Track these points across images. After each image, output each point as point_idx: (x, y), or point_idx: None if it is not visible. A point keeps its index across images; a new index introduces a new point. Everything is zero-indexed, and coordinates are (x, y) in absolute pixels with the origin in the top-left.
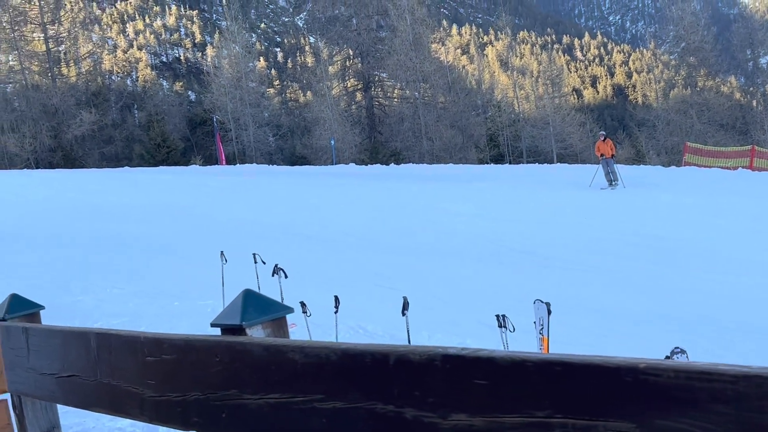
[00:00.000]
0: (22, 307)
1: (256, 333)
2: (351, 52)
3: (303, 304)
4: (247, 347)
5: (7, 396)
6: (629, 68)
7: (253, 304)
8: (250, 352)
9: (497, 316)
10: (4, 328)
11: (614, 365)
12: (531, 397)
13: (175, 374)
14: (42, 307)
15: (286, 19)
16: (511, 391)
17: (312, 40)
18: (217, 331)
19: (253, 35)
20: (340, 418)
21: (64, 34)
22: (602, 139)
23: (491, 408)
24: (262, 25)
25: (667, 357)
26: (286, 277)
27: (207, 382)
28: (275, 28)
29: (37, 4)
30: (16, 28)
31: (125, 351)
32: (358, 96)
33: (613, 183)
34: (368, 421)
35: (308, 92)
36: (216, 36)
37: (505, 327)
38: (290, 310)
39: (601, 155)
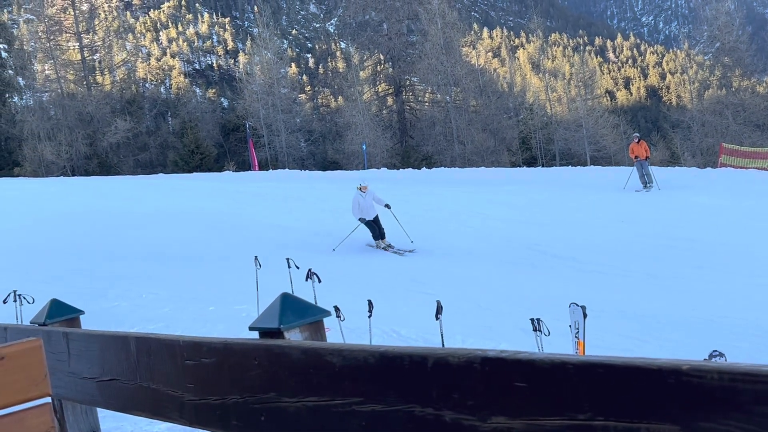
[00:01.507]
0: (62, 312)
1: (294, 336)
2: (382, 57)
3: (337, 309)
4: (285, 350)
5: (50, 399)
6: (663, 69)
7: (291, 307)
8: (288, 355)
9: (532, 320)
10: (45, 332)
11: (656, 367)
12: (572, 399)
13: (214, 377)
14: (81, 312)
15: (317, 25)
16: (551, 393)
17: (343, 45)
18: (255, 335)
19: (285, 41)
20: (378, 421)
21: (99, 43)
22: (636, 141)
23: (531, 410)
24: (294, 31)
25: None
26: (319, 281)
27: (246, 385)
28: (306, 34)
29: (72, 13)
30: (52, 37)
31: (164, 355)
32: (390, 100)
33: (648, 185)
34: (407, 424)
35: (339, 97)
36: (248, 43)
37: (540, 331)
38: (327, 313)
39: (636, 157)
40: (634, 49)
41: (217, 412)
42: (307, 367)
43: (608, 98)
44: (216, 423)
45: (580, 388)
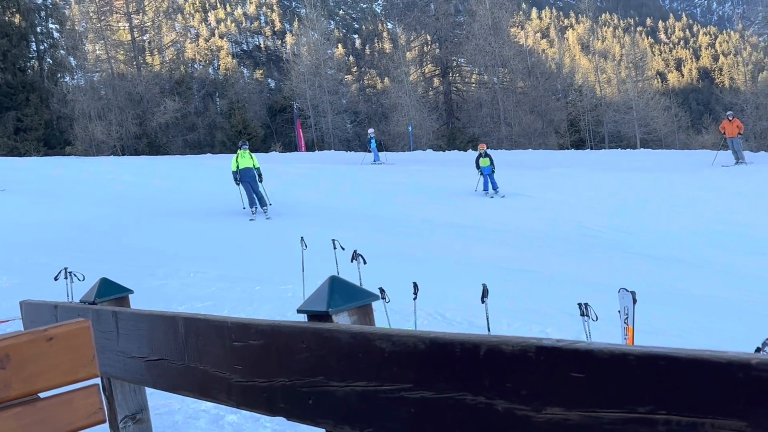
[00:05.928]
0: (112, 291)
1: (343, 320)
2: (429, 38)
3: (382, 290)
4: (334, 334)
5: (98, 380)
6: (716, 51)
7: (339, 290)
8: (337, 339)
9: (579, 304)
10: (95, 311)
11: (725, 360)
12: (632, 391)
13: (262, 360)
14: (131, 291)
15: (364, 6)
16: (610, 385)
17: (390, 26)
18: (303, 318)
19: (332, 22)
20: (428, 407)
21: (148, 24)
22: (729, 119)
23: (589, 402)
24: (341, 11)
25: (758, 349)
26: (365, 263)
27: (293, 368)
28: (353, 15)
29: None
30: (103, 18)
31: (212, 336)
32: (436, 82)
33: (739, 161)
34: (457, 412)
35: (386, 78)
36: (295, 23)
37: (587, 316)
38: (376, 297)
39: (726, 134)
40: (686, 30)
41: (264, 394)
42: (355, 352)
43: (659, 80)
44: (263, 405)
45: (641, 380)
